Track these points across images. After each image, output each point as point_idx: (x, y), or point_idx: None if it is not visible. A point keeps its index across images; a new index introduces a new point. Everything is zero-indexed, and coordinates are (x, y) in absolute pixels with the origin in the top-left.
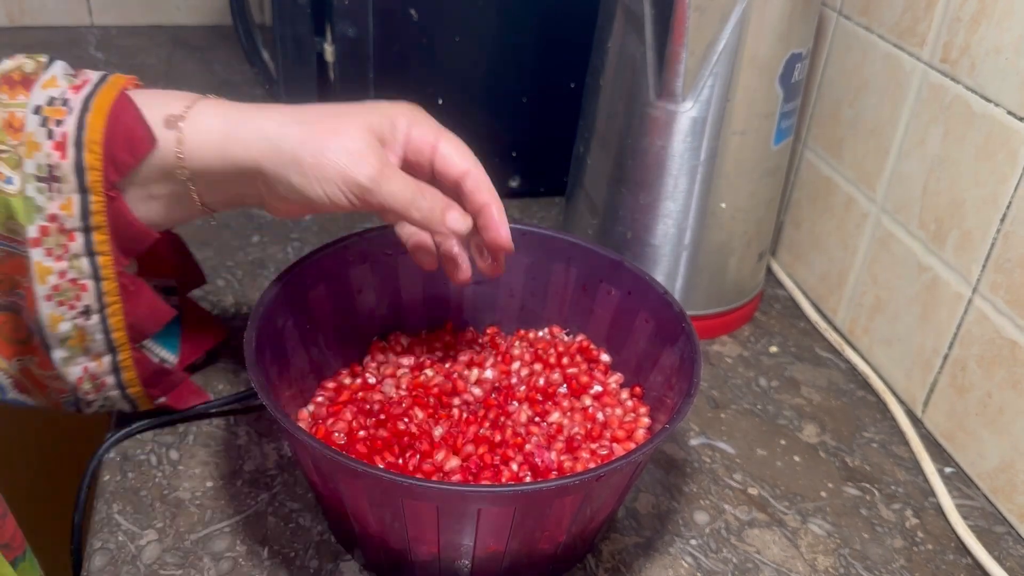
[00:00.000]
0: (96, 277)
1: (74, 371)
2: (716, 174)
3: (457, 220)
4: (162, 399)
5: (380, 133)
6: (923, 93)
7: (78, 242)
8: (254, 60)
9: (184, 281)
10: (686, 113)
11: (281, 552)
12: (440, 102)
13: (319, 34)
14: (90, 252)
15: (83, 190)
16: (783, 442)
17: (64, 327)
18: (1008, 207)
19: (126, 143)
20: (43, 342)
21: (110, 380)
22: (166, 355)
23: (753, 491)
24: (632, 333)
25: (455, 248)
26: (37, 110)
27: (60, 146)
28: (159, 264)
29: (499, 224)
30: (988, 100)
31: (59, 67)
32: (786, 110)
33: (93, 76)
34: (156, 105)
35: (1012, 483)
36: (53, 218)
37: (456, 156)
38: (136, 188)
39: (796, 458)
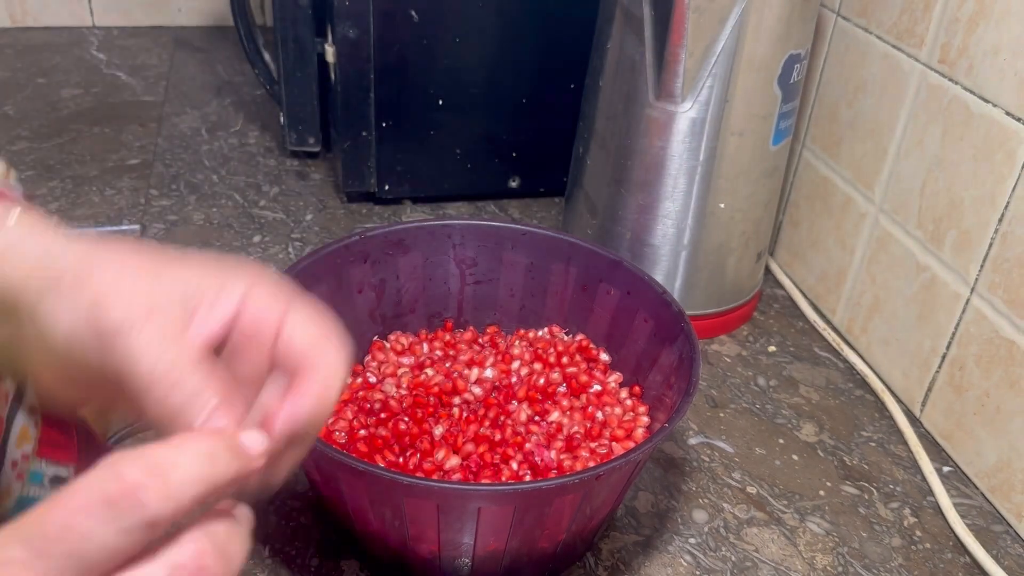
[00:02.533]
0: None
1: None
2: (715, 174)
3: (255, 441)
4: None
5: (195, 292)
6: (921, 94)
7: None
8: (255, 61)
9: (86, 469)
10: (685, 114)
11: (282, 551)
12: (440, 102)
13: (320, 35)
14: None
15: None
16: (781, 441)
17: None
18: (1006, 207)
19: None
20: None
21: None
22: None
23: (752, 490)
24: (631, 333)
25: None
26: None
27: None
28: (59, 448)
29: (300, 396)
30: (986, 100)
31: None
32: (785, 111)
33: None
34: None
35: (1010, 482)
36: None
37: (306, 332)
38: None
39: (794, 457)
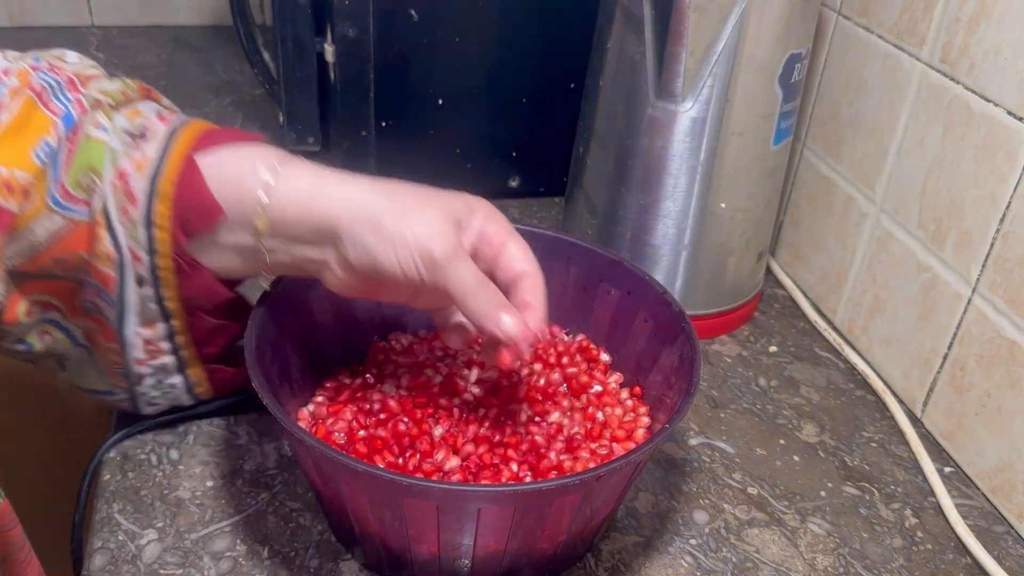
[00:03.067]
0: (150, 251)
1: (129, 335)
2: (715, 174)
3: (511, 323)
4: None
5: (458, 218)
6: (922, 93)
7: (139, 208)
8: (254, 60)
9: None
10: (686, 113)
11: (281, 551)
12: (440, 102)
13: (319, 34)
14: (148, 222)
15: (164, 152)
16: (782, 442)
17: (131, 283)
18: (1007, 207)
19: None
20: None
21: (165, 346)
22: None
23: (752, 490)
24: (631, 333)
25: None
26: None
27: (164, 119)
28: (229, 330)
29: (533, 327)
30: (987, 100)
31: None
32: (785, 110)
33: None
34: (246, 155)
35: (1011, 483)
36: (122, 175)
37: (521, 257)
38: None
39: (795, 458)
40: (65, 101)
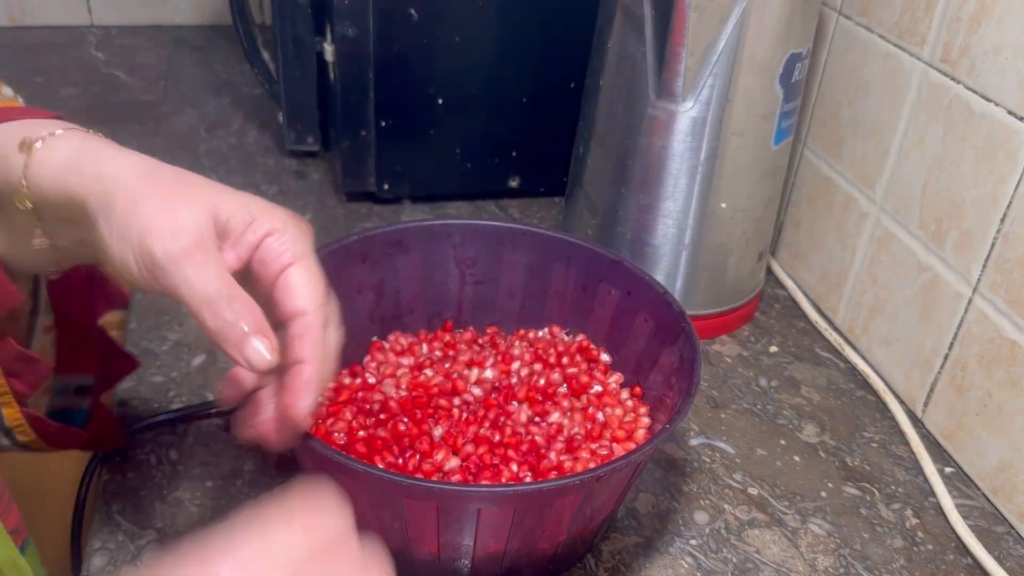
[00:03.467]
0: None
1: None
2: (716, 174)
3: (256, 351)
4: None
5: (224, 220)
6: (923, 93)
7: None
8: (254, 60)
9: (107, 375)
10: (686, 113)
11: None
12: (440, 102)
13: (319, 34)
14: None
15: None
16: (783, 442)
17: None
18: (1008, 207)
19: None
20: None
21: None
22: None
23: (753, 491)
24: (632, 333)
25: (251, 383)
26: None
27: None
28: (77, 358)
29: (298, 392)
30: (988, 100)
31: None
32: (786, 110)
33: None
34: (19, 128)
35: (1012, 483)
36: None
37: (302, 289)
38: None
39: (796, 458)
40: None
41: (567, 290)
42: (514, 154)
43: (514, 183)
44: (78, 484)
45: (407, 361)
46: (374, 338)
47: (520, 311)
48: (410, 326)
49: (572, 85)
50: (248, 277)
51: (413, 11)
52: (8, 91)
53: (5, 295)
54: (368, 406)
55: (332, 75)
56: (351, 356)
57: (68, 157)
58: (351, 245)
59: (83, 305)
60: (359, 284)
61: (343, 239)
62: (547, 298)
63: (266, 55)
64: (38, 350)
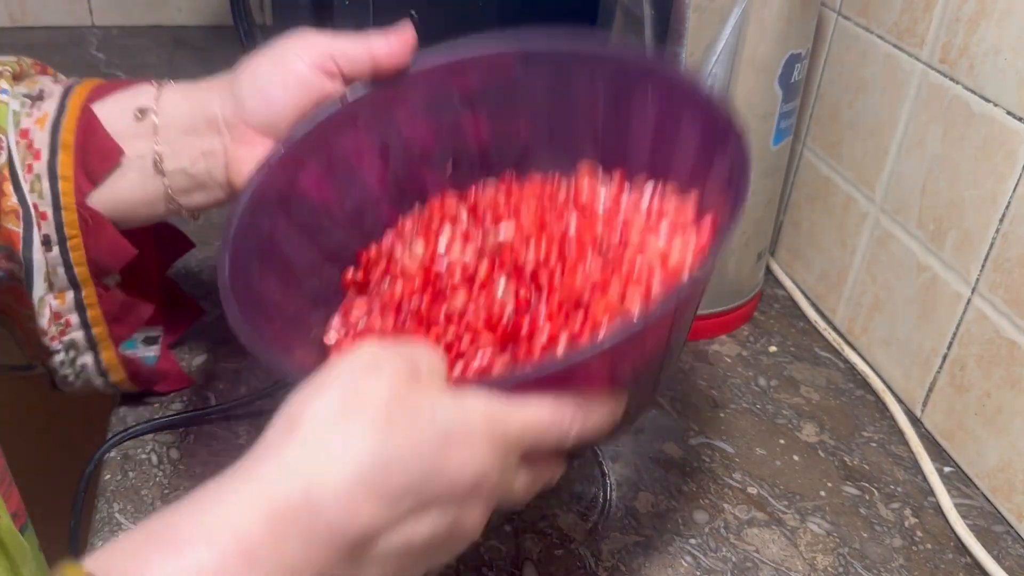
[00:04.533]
0: (56, 205)
1: (38, 302)
2: None
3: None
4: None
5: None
6: (922, 93)
7: (42, 162)
8: None
9: (173, 325)
10: None
11: None
12: None
13: None
14: (53, 174)
15: (62, 107)
16: (782, 441)
17: (37, 244)
18: (1007, 207)
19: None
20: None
21: (74, 319)
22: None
23: (752, 490)
24: (677, 145)
25: None
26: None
27: (60, 83)
28: (140, 311)
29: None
30: (987, 100)
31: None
32: (785, 110)
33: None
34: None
35: (1011, 482)
36: (24, 133)
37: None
38: None
39: (795, 457)
40: None
41: (596, 109)
42: None
43: None
44: (78, 484)
45: (419, 249)
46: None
47: (549, 140)
48: (432, 184)
49: None
50: None
51: (413, 11)
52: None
53: (121, 250)
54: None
55: None
56: (372, 231)
57: (190, 85)
58: (334, 116)
59: (148, 258)
60: (357, 153)
61: (323, 113)
62: (576, 120)
63: None
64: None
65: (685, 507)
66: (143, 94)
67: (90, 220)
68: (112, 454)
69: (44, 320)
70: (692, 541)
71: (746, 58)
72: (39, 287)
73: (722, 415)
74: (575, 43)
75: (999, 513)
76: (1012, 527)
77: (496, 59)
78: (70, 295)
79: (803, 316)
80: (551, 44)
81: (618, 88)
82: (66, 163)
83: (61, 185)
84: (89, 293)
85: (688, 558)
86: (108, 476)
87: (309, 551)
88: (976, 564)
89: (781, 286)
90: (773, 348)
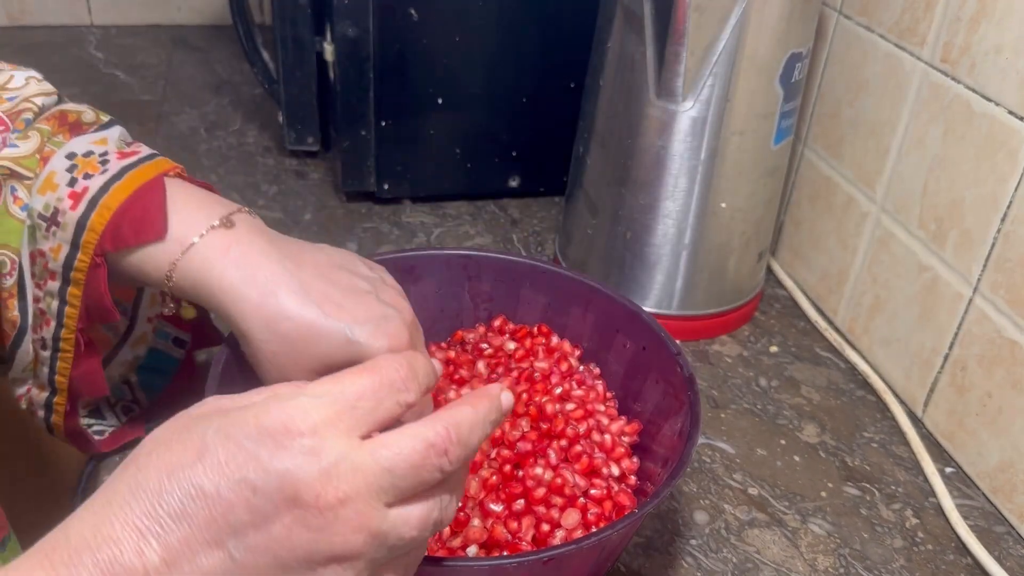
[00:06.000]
0: (59, 323)
1: (19, 389)
2: (716, 174)
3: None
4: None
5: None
6: (923, 93)
7: (55, 284)
8: (254, 60)
9: (199, 338)
10: (686, 113)
11: None
12: (440, 102)
13: (319, 34)
14: (62, 299)
15: (75, 245)
16: (783, 442)
17: (26, 346)
18: (1008, 206)
19: (135, 222)
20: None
21: (40, 413)
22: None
23: (753, 491)
24: (644, 390)
25: None
26: (70, 156)
27: (76, 197)
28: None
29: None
30: (988, 99)
31: (117, 131)
32: (786, 110)
33: (144, 151)
34: (200, 208)
35: (1012, 483)
36: (41, 254)
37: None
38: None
39: (796, 458)
40: None
41: (583, 336)
42: (514, 154)
43: (514, 183)
44: (77, 484)
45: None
46: None
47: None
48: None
49: (572, 85)
50: None
51: (413, 11)
52: (31, 80)
53: (97, 386)
54: None
55: (332, 75)
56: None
57: (209, 263)
58: None
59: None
60: None
61: None
62: (564, 341)
63: (266, 55)
64: (150, 295)
65: (686, 508)
66: (164, 252)
67: (83, 346)
68: (111, 454)
69: (15, 394)
70: (693, 542)
71: (747, 57)
72: (18, 368)
73: (723, 415)
74: (576, 274)
75: (1000, 514)
76: (1013, 528)
77: (509, 268)
78: (45, 395)
79: (804, 316)
80: (558, 268)
81: (605, 323)
82: (75, 295)
83: (67, 310)
84: (60, 402)
85: (688, 559)
86: (107, 476)
87: None
88: (977, 565)
89: (782, 286)
90: (774, 348)
